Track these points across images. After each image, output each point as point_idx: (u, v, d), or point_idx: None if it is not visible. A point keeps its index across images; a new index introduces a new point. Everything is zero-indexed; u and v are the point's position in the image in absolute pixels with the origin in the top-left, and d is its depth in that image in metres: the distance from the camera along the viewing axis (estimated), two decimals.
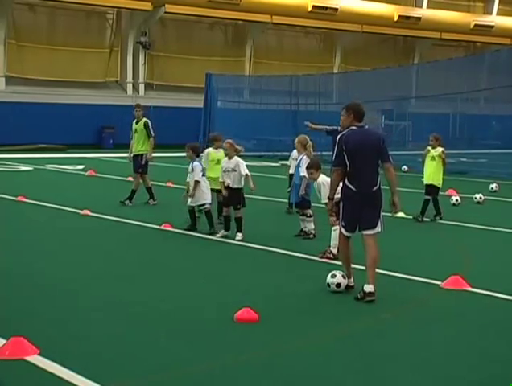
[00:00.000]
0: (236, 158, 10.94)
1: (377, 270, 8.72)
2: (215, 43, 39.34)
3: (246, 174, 10.80)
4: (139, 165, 14.77)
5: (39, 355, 5.52)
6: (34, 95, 32.21)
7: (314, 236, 10.92)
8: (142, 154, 14.87)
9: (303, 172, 10.53)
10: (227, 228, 10.98)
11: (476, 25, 44.23)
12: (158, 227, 11.76)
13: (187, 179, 11.50)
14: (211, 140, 12.78)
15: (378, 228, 7.50)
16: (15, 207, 14.18)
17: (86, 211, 13.21)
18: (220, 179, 10.96)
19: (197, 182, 11.22)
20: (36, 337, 5.78)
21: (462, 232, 12.17)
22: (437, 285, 8.05)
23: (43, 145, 29.68)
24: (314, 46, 42.52)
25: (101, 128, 32.90)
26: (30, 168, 22.99)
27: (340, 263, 9.00)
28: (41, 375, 5.20)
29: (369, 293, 7.27)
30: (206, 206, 11.31)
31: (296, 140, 11.92)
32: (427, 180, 13.31)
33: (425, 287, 8.09)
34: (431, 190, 13.13)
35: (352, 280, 7.71)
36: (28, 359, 5.45)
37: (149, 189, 14.76)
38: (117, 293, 7.63)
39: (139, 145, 14.92)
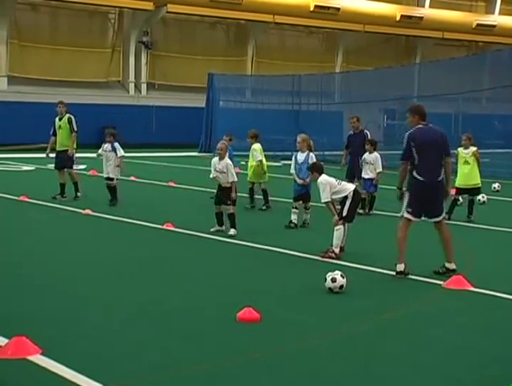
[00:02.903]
0: (226, 160, 11.17)
1: (377, 269, 8.75)
2: (217, 42, 39.33)
3: (232, 182, 11.10)
4: (68, 159, 15.28)
5: (42, 354, 5.53)
6: (36, 95, 32.21)
7: (308, 224, 11.94)
8: (68, 150, 15.40)
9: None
10: (220, 224, 11.35)
11: (478, 24, 44.20)
12: (160, 226, 11.76)
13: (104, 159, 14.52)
14: (252, 136, 14.64)
15: (443, 214, 8.71)
16: (17, 207, 14.19)
17: (88, 211, 13.22)
18: (211, 176, 11.35)
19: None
20: (38, 336, 5.78)
21: (464, 232, 12.15)
22: (439, 284, 8.05)
23: (44, 144, 29.69)
24: (316, 45, 42.50)
25: (103, 128, 32.87)
26: (33, 168, 23.01)
27: (340, 262, 9.01)
28: (43, 375, 5.20)
29: (453, 269, 8.40)
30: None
31: (300, 138, 12.06)
32: (464, 183, 13.13)
33: (427, 287, 8.09)
34: (469, 191, 13.13)
35: (403, 265, 8.33)
36: (30, 358, 5.45)
37: (76, 183, 15.33)
38: (119, 292, 7.63)
39: (65, 140, 15.40)
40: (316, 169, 10.03)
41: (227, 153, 11.33)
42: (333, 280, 7.59)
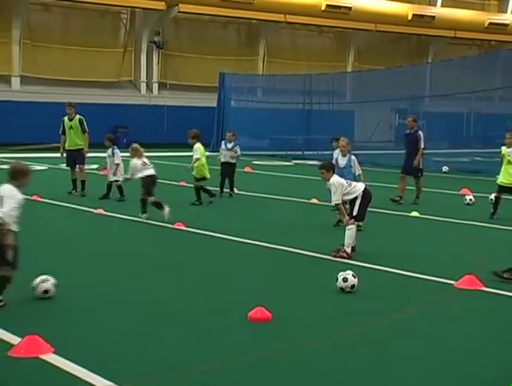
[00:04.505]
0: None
1: (388, 269, 8.73)
2: (228, 42, 39.36)
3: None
4: (81, 157, 16.02)
5: (54, 353, 5.55)
6: (48, 94, 32.36)
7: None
8: (82, 149, 16.12)
9: (359, 170, 10.89)
10: (144, 211, 12.38)
11: (490, 23, 44.00)
12: (171, 226, 11.78)
13: (108, 164, 15.24)
14: (193, 136, 14.99)
15: None
16: (30, 207, 14.22)
17: (100, 210, 13.27)
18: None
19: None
20: (51, 335, 5.81)
21: (476, 232, 12.11)
22: (451, 284, 8.02)
23: (57, 144, 29.82)
24: (327, 45, 42.45)
25: (115, 127, 33.01)
26: (45, 167, 23.11)
27: (351, 262, 9.00)
28: (56, 374, 5.22)
29: None
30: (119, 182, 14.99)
31: (345, 142, 11.58)
32: (505, 181, 12.91)
33: (439, 287, 8.06)
34: (507, 190, 12.90)
35: None
36: (43, 357, 5.48)
37: (83, 182, 15.93)
38: (131, 292, 7.65)
39: (77, 139, 16.13)
40: (331, 167, 9.91)
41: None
42: (345, 279, 7.58)
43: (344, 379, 5.26)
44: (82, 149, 16.13)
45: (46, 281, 7.25)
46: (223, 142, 16.58)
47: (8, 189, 6.96)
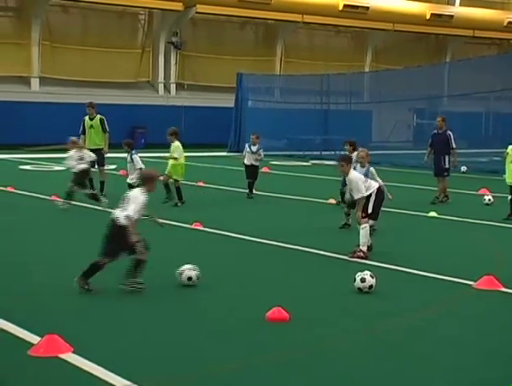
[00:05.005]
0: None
1: (406, 269, 8.70)
2: (246, 42, 39.38)
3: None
4: (101, 157, 15.86)
5: (73, 352, 5.60)
6: (67, 95, 32.53)
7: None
8: (101, 148, 16.08)
9: (379, 181, 10.59)
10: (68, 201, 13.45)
11: (509, 22, 43.66)
12: (189, 226, 11.82)
13: (128, 168, 14.53)
14: (172, 134, 14.79)
15: None
16: (49, 207, 14.34)
17: None
18: None
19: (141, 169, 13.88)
20: (70, 335, 5.85)
21: (495, 232, 12.03)
22: (470, 285, 7.99)
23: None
24: (345, 45, 42.35)
25: (133, 128, 33.14)
26: (64, 168, 23.22)
27: (369, 262, 8.98)
28: (75, 373, 5.26)
29: None
30: None
31: (365, 152, 11.21)
32: (510, 181, 12.88)
33: (457, 287, 8.03)
34: None
35: None
36: (62, 356, 5.52)
37: (102, 182, 15.84)
38: (150, 292, 7.68)
39: (97, 139, 16.12)
40: (351, 161, 9.93)
41: None
42: (363, 280, 7.57)
43: (364, 380, 5.26)
44: (102, 148, 16.13)
45: (191, 270, 7.82)
46: (247, 145, 16.63)
47: (134, 192, 7.90)
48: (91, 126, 16.18)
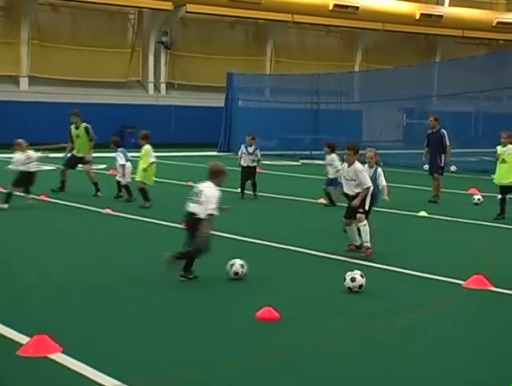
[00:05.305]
0: None
1: (396, 269, 8.71)
2: (236, 42, 39.36)
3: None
4: (81, 162, 16.22)
5: (63, 352, 5.57)
6: (56, 95, 32.42)
7: None
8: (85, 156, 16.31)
9: (384, 182, 10.57)
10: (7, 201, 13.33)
11: (498, 22, 43.86)
12: (179, 226, 11.76)
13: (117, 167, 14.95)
14: (143, 138, 14.46)
15: None
16: (37, 206, 14.27)
17: (108, 211, 13.29)
18: None
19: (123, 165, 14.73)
20: (60, 335, 5.82)
21: (485, 232, 12.07)
22: (459, 284, 8.00)
23: (65, 144, 29.90)
24: (335, 44, 42.40)
25: (122, 127, 33.06)
26: (53, 167, 23.13)
27: (359, 261, 8.98)
28: (64, 373, 5.23)
29: None
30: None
31: (373, 153, 10.79)
32: (499, 181, 12.97)
33: (447, 286, 8.04)
34: (506, 190, 12.89)
35: None
36: (51, 356, 5.49)
37: (96, 183, 15.89)
38: (139, 292, 7.66)
39: (85, 149, 16.28)
40: (358, 151, 9.63)
41: None
42: (353, 279, 7.57)
43: (355, 379, 5.25)
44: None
45: (240, 266, 8.04)
46: (243, 146, 16.45)
47: (208, 188, 8.06)
48: (77, 136, 16.25)
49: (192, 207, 8.03)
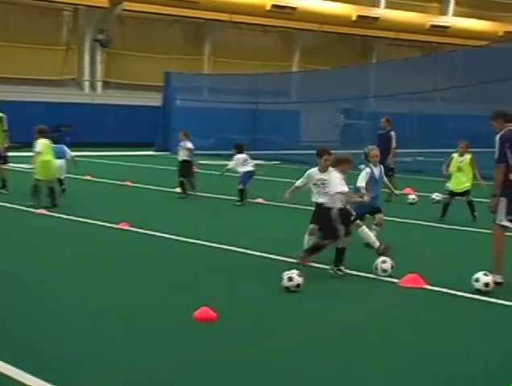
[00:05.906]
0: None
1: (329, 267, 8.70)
2: (174, 41, 39.15)
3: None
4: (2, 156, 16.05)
5: None
6: None
7: None
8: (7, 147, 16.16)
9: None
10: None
11: (432, 25, 44.84)
12: (115, 226, 11.63)
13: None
14: (39, 132, 14.29)
15: None
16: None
17: (42, 211, 13.03)
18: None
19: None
20: None
21: (419, 231, 12.28)
22: (395, 283, 8.11)
23: None
24: (273, 45, 42.62)
25: (58, 126, 32.48)
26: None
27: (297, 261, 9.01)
28: None
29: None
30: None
31: (377, 151, 10.54)
32: (454, 188, 12.99)
33: (383, 285, 8.14)
34: (457, 195, 12.97)
35: (501, 276, 7.94)
36: None
37: (3, 180, 15.91)
38: (74, 293, 7.52)
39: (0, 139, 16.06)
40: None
41: None
42: (290, 279, 7.59)
43: (297, 379, 5.26)
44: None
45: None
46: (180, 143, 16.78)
47: (334, 176, 8.46)
48: None
49: (322, 200, 8.42)
